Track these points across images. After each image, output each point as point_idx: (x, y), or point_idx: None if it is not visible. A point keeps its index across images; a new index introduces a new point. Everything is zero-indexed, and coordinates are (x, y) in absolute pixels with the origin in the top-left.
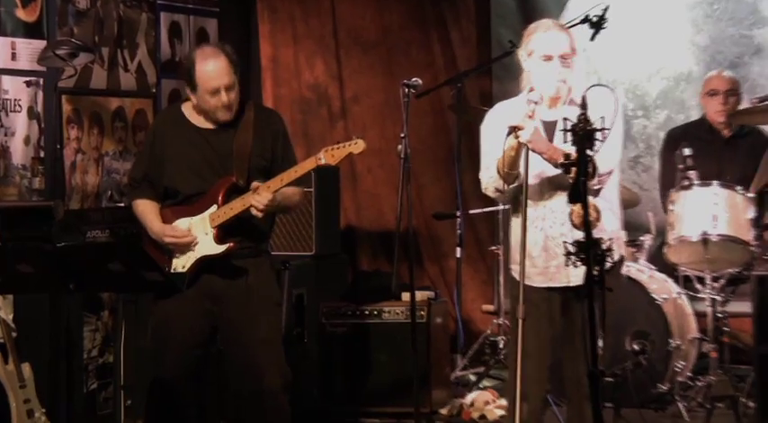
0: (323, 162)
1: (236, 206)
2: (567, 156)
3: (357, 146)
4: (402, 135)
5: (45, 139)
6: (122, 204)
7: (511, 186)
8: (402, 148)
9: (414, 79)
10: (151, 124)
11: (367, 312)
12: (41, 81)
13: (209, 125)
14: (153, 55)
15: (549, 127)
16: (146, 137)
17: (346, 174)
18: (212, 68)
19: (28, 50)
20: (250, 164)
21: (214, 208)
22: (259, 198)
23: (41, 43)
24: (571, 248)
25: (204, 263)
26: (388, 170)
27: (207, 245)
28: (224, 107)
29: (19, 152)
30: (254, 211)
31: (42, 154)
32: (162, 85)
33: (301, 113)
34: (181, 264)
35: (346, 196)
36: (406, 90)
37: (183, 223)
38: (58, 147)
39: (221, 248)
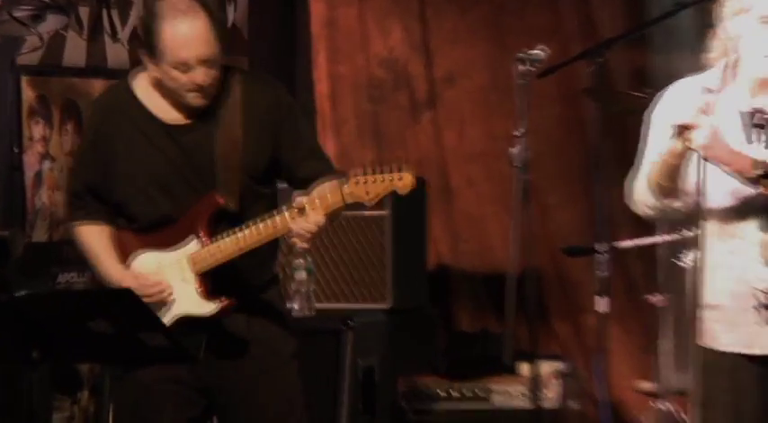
0: (342, 201)
1: (229, 248)
2: (761, 165)
3: (403, 182)
4: (517, 133)
5: None
6: None
7: (673, 204)
8: (518, 152)
9: (534, 51)
10: (89, 112)
11: (468, 393)
12: None
13: (176, 114)
14: None
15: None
16: (83, 131)
17: (436, 188)
18: (185, 32)
19: None
20: (243, 172)
21: (194, 244)
22: (308, 224)
23: None
24: (764, 298)
25: (183, 321)
26: (496, 183)
27: (187, 299)
28: (197, 90)
29: None
30: (297, 244)
31: None
32: None
33: (370, 102)
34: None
35: (436, 222)
36: (523, 67)
37: (148, 261)
38: (16, 151)
39: (211, 308)
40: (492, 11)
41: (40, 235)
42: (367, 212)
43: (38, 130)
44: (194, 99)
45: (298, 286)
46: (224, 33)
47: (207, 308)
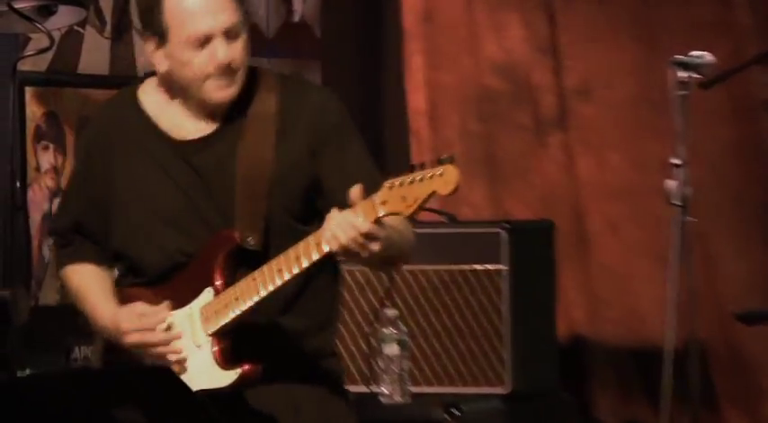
0: (381, 213)
1: (245, 292)
2: None
3: (444, 178)
4: (675, 161)
5: None
6: None
7: None
8: (676, 187)
9: (696, 53)
10: (83, 131)
11: None
12: None
13: (189, 128)
14: None
15: None
16: (75, 153)
17: (568, 234)
18: None
19: None
20: (271, 200)
21: (207, 295)
22: (347, 222)
23: None
24: None
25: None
26: (647, 226)
27: (203, 369)
28: (219, 73)
29: None
30: (364, 257)
31: None
32: None
33: (480, 120)
34: None
35: (569, 279)
36: (682, 74)
37: None
38: (18, 185)
39: (229, 377)
40: (641, 0)
41: (49, 296)
42: (477, 266)
43: (46, 157)
44: (217, 90)
45: (387, 364)
46: (243, 3)
47: (224, 379)
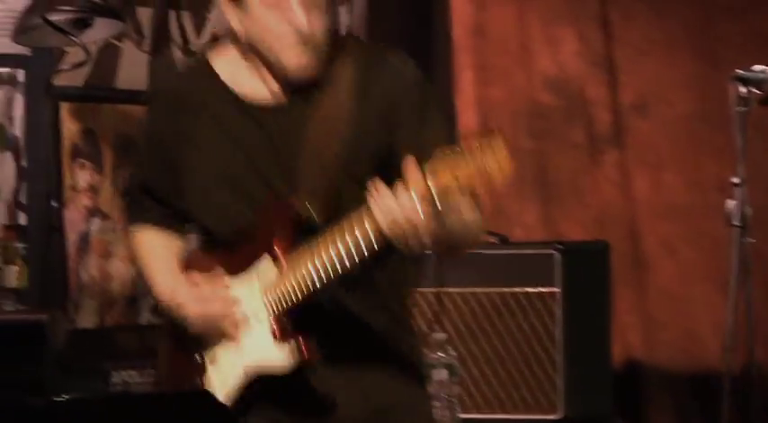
0: (424, 182)
1: (301, 266)
2: None
3: (495, 155)
4: (735, 180)
5: (28, 191)
6: None
7: None
8: (735, 207)
9: (756, 68)
10: (150, 91)
11: None
12: (21, 75)
13: (264, 92)
14: None
15: None
16: (146, 118)
17: (623, 255)
18: None
19: None
20: (340, 171)
21: (267, 266)
22: (394, 203)
23: (21, 0)
24: None
25: (263, 382)
26: (706, 249)
27: (259, 341)
28: (299, 39)
29: None
30: (404, 243)
31: (23, 220)
32: None
33: (533, 137)
34: (219, 383)
35: (624, 301)
36: (743, 89)
37: None
38: (54, 205)
39: (284, 353)
40: (700, 12)
41: (87, 319)
42: (530, 288)
43: (83, 176)
44: (297, 55)
45: (436, 390)
46: None
47: (281, 359)
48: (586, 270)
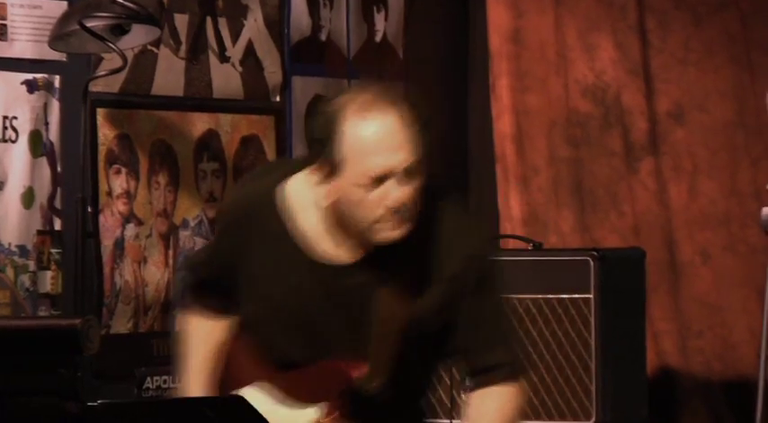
0: None
1: None
2: None
3: None
4: None
5: (63, 197)
6: None
7: None
8: None
9: None
10: (226, 207)
11: None
12: (57, 81)
13: (333, 253)
14: (275, 29)
15: None
16: (219, 219)
17: (659, 263)
18: (377, 133)
19: (31, 21)
20: (405, 340)
21: (314, 414)
22: None
23: (58, 6)
24: None
25: None
26: (742, 257)
27: None
28: (390, 216)
29: (13, 222)
30: None
31: (58, 225)
32: (293, 86)
33: (570, 145)
34: None
35: (659, 309)
36: None
37: (257, 401)
38: (90, 210)
39: None
40: (739, 19)
41: (121, 325)
42: (564, 295)
43: (119, 182)
44: (386, 232)
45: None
46: (427, 133)
47: None
48: (622, 277)
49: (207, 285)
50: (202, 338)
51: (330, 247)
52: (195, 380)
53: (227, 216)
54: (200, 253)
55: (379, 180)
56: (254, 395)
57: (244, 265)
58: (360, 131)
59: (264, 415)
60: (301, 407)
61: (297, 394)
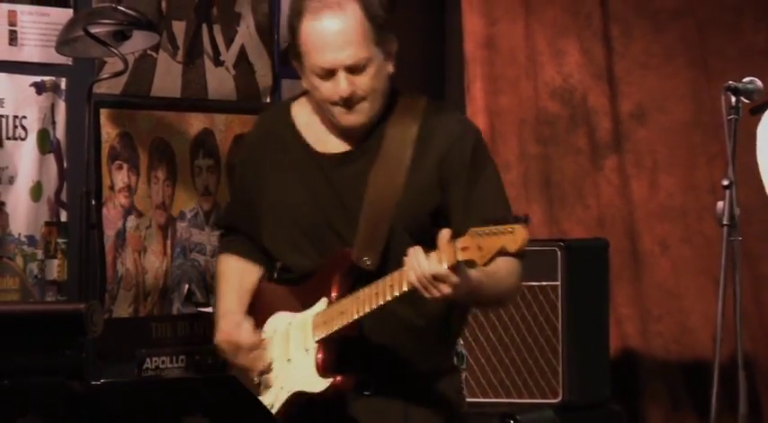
0: (460, 258)
1: (347, 309)
2: None
3: (513, 236)
4: (725, 182)
5: (69, 190)
6: (210, 309)
7: None
8: (725, 208)
9: (746, 80)
10: (244, 140)
11: None
12: (63, 83)
13: (333, 143)
14: (266, 35)
15: None
16: (235, 165)
17: (621, 253)
18: (323, 30)
19: (39, 27)
20: (395, 222)
21: (321, 305)
22: (420, 266)
23: (64, 14)
24: None
25: (307, 404)
26: (699, 248)
27: (304, 372)
28: (342, 103)
29: (22, 214)
30: (427, 294)
31: (64, 217)
32: (283, 88)
33: (539, 143)
34: (269, 400)
35: (621, 296)
36: (733, 100)
37: (279, 323)
38: (93, 203)
39: (321, 384)
40: (696, 27)
41: (122, 309)
42: (534, 282)
43: (120, 176)
44: (341, 116)
45: None
46: (382, 30)
47: (318, 385)
48: (587, 266)
49: (233, 233)
50: (233, 271)
51: (327, 138)
52: (228, 299)
53: (244, 147)
54: (225, 206)
55: (330, 73)
56: (276, 320)
57: (262, 192)
58: (312, 28)
59: (284, 330)
60: (312, 306)
61: (308, 296)
